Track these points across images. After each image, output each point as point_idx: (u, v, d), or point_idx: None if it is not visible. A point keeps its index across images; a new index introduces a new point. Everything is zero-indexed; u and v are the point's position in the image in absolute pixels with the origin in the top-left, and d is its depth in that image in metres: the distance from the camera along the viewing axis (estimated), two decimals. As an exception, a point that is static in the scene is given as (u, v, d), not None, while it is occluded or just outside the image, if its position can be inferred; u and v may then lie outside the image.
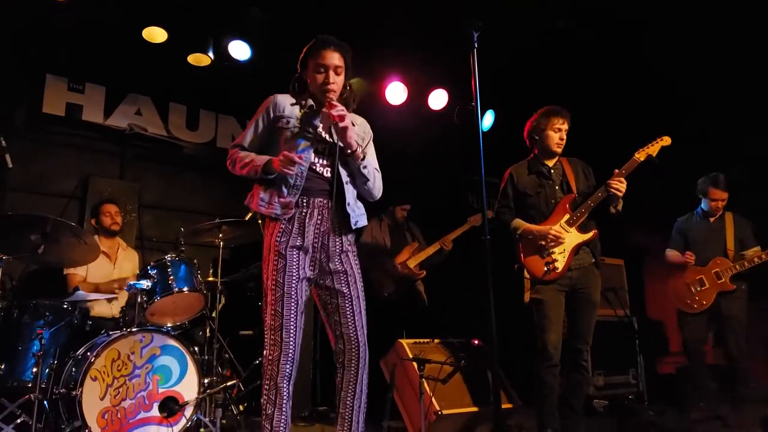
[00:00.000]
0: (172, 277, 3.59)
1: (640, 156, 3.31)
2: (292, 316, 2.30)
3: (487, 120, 5.88)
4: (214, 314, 3.99)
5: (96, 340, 3.34)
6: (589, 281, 3.33)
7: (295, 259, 2.34)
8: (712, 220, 4.38)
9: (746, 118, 5.32)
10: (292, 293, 2.31)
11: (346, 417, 2.42)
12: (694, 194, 4.48)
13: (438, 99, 5.70)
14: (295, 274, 2.33)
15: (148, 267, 3.63)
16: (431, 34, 4.93)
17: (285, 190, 2.39)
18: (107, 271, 4.25)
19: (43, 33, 4.70)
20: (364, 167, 2.48)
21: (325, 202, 2.43)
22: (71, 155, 5.20)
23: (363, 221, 2.54)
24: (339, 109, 2.34)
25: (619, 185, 3.21)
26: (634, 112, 5.44)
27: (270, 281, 2.34)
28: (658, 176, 4.31)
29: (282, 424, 2.28)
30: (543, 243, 3.29)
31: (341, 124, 2.33)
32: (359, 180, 2.51)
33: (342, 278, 2.44)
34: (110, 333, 3.34)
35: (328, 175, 2.46)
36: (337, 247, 2.45)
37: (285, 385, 2.28)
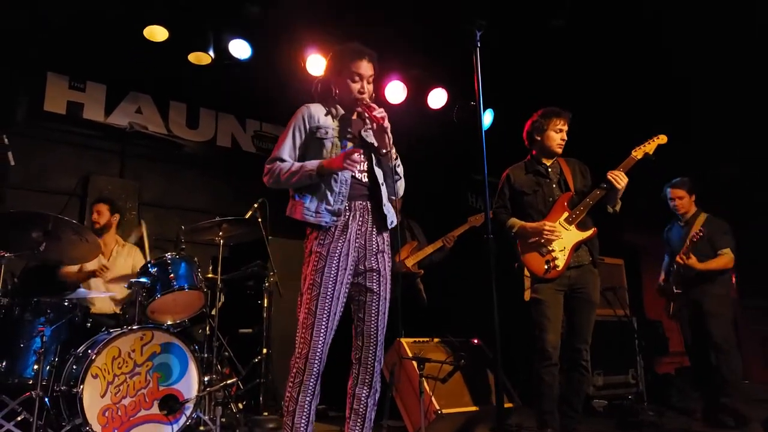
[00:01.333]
0: (172, 275, 3.59)
1: (637, 154, 3.33)
2: (324, 316, 2.32)
3: (486, 119, 5.90)
4: (213, 312, 3.99)
5: (97, 337, 3.35)
6: (588, 280, 3.34)
7: (335, 262, 2.36)
8: (682, 223, 4.44)
9: (743, 119, 5.33)
10: (328, 294, 2.33)
11: (360, 413, 2.44)
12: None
13: (437, 98, 5.72)
14: (333, 276, 2.35)
15: (149, 264, 3.63)
16: (431, 32, 4.94)
17: (331, 198, 2.42)
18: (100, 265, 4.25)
19: (44, 31, 4.71)
20: (399, 166, 2.56)
21: (365, 204, 2.48)
22: (72, 153, 5.21)
23: (396, 220, 2.59)
24: (379, 111, 2.39)
25: (619, 178, 3.22)
26: (630, 111, 5.46)
27: (308, 280, 2.38)
28: (655, 175, 4.32)
29: (303, 421, 2.28)
30: (538, 239, 3.30)
31: (385, 125, 2.39)
32: (391, 179, 2.55)
33: (374, 277, 2.48)
34: (111, 331, 3.35)
35: (366, 180, 2.52)
36: (374, 246, 2.50)
37: (311, 383, 2.30)
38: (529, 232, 3.34)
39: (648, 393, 5.22)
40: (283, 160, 2.48)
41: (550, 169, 3.47)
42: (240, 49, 4.93)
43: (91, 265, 4.15)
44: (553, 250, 3.28)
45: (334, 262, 2.36)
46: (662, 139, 3.34)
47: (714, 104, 5.34)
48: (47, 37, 4.78)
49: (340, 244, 2.39)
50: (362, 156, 2.47)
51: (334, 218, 2.40)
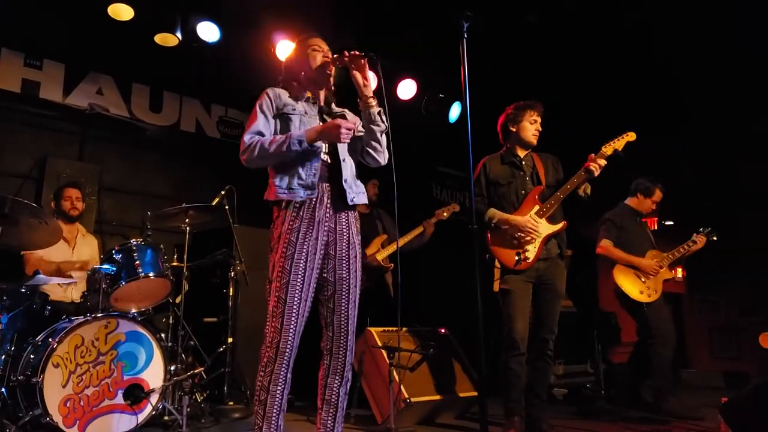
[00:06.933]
0: (137, 262, 3.50)
1: (607, 150, 3.41)
2: (295, 304, 2.29)
3: (454, 111, 5.94)
4: (178, 300, 3.91)
5: (57, 325, 3.24)
6: (555, 273, 3.41)
7: (305, 248, 2.33)
8: (641, 219, 4.51)
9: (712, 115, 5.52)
10: (298, 281, 2.30)
11: (333, 403, 2.43)
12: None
13: (407, 89, 5.71)
14: (303, 263, 2.32)
15: (113, 251, 3.52)
16: (402, 23, 4.93)
17: (303, 173, 2.40)
18: (66, 256, 4.10)
19: (-2, 4, 4.48)
20: (382, 113, 2.54)
21: (328, 185, 2.47)
22: (27, 134, 4.98)
23: (361, 199, 2.54)
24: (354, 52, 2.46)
25: (599, 165, 3.31)
26: (600, 106, 5.58)
27: (277, 268, 2.33)
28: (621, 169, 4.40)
29: (275, 410, 2.26)
30: (520, 234, 3.34)
31: (363, 61, 2.47)
32: (373, 134, 2.53)
33: (344, 265, 2.46)
34: (72, 318, 3.24)
35: (330, 161, 2.51)
36: (344, 230, 2.47)
37: (282, 372, 2.27)
38: (512, 224, 3.35)
39: (605, 381, 5.38)
40: (262, 134, 2.44)
41: (524, 162, 3.53)
42: (208, 31, 4.78)
43: (57, 257, 4.01)
44: (525, 242, 3.33)
45: (304, 248, 2.33)
46: (631, 136, 3.43)
47: (692, 103, 5.49)
48: (1, 11, 4.54)
49: (309, 229, 2.36)
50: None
51: (309, 192, 2.38)
